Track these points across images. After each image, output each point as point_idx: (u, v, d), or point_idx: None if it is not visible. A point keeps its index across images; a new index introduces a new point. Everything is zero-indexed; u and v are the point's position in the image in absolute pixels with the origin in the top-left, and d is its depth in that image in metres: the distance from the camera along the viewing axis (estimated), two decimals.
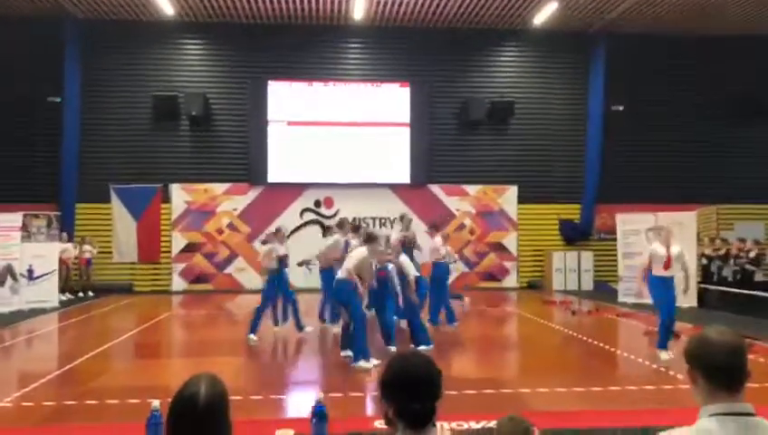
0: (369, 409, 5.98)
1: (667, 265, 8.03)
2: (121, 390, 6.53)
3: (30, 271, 13.39)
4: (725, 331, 1.97)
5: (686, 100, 17.97)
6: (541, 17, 16.57)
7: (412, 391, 1.90)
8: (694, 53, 17.78)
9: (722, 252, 13.73)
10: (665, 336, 7.97)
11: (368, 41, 17.83)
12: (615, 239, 15.12)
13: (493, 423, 4.33)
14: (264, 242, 11.45)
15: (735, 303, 12.26)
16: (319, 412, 2.78)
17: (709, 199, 16.90)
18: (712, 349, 1.92)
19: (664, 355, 7.81)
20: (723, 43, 17.67)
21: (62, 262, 14.53)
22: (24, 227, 13.39)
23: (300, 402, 6.26)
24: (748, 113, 18.05)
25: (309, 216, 17.46)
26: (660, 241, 8.16)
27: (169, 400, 1.82)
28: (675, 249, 8.08)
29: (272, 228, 12.35)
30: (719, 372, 1.90)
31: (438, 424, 1.95)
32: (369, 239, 7.87)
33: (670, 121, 17.91)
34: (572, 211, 18.10)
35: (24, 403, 6.05)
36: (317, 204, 17.53)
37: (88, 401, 6.10)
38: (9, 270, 12.95)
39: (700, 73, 17.91)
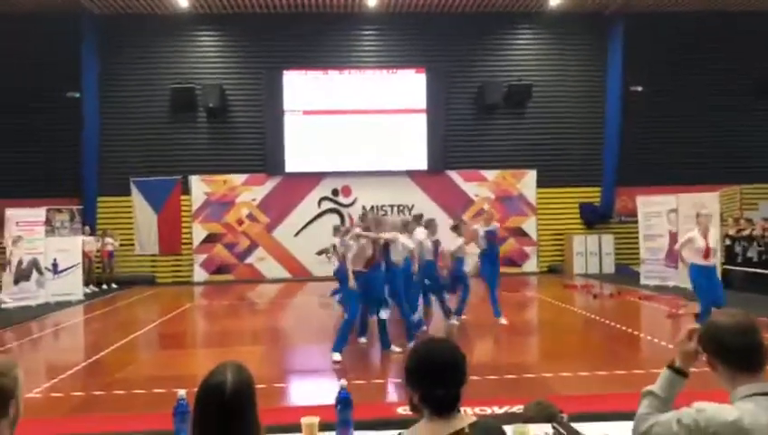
0: (393, 395, 6.01)
1: (707, 255, 7.88)
2: (147, 380, 6.63)
3: (55, 265, 13.62)
4: (736, 313, 1.96)
5: (706, 78, 17.63)
6: None
7: (437, 377, 1.90)
8: (714, 31, 17.42)
9: (746, 232, 13.52)
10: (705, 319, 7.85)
11: (382, 28, 17.74)
12: (636, 222, 14.97)
13: (516, 408, 4.33)
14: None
15: (761, 283, 12.07)
16: (343, 399, 2.79)
17: (732, 179, 16.64)
18: (723, 333, 1.90)
19: None
20: (743, 19, 17.31)
21: (84, 255, 14.78)
22: (48, 222, 13.60)
23: (324, 390, 6.30)
24: None
25: (327, 204, 17.49)
26: (699, 229, 7.97)
27: (195, 389, 1.84)
28: (713, 237, 7.94)
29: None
30: (735, 355, 1.88)
31: (461, 410, 1.95)
32: (377, 224, 7.87)
33: (691, 101, 17.61)
34: (592, 194, 17.93)
35: (54, 394, 6.17)
36: (335, 193, 17.55)
37: (115, 392, 6.21)
38: (35, 264, 13.20)
39: (721, 51, 17.54)
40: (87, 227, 15.61)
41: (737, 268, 13.12)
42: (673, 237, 13.60)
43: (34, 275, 13.19)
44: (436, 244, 9.86)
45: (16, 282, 12.96)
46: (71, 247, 13.96)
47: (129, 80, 17.04)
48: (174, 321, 11.10)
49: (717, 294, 7.93)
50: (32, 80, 16.28)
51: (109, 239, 16.01)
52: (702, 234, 7.92)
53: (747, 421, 1.78)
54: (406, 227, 9.06)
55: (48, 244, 13.51)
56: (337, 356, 7.16)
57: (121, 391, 6.20)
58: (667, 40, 17.50)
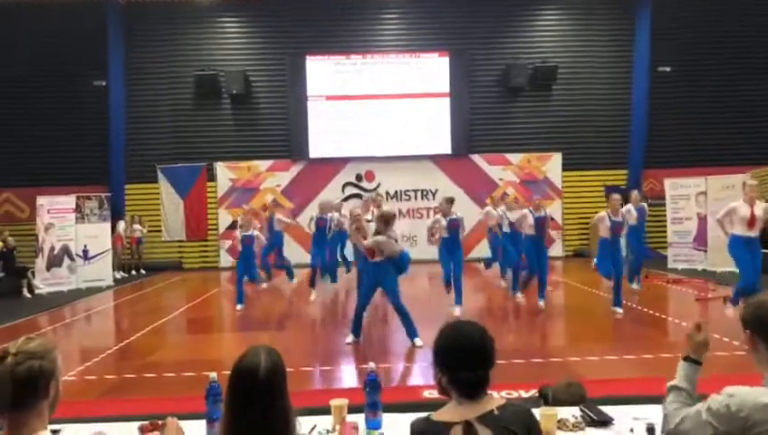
0: (418, 379, 6.05)
1: (752, 224, 7.46)
2: (177, 363, 6.76)
3: (85, 251, 13.91)
4: None
5: (736, 57, 17.20)
6: None
7: (466, 360, 1.91)
8: (743, 8, 16.97)
9: None
10: (737, 297, 7.55)
11: (405, 11, 17.61)
12: (663, 205, 14.74)
13: None
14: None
15: None
16: (371, 382, 2.82)
17: (763, 160, 16.27)
18: None
19: (730, 311, 7.58)
20: None
21: (117, 239, 15.17)
22: (78, 209, 13.87)
23: (351, 373, 6.37)
24: None
25: (350, 190, 17.52)
26: (744, 198, 7.58)
27: (225, 372, 1.87)
28: (760, 207, 7.50)
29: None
30: None
31: (489, 393, 1.96)
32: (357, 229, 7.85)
33: (719, 80, 17.21)
34: (619, 177, 17.69)
35: (88, 377, 6.33)
36: (358, 178, 17.57)
37: (146, 375, 6.34)
38: (66, 251, 13.50)
39: (750, 28, 17.09)
40: (128, 216, 16.15)
41: None
42: (702, 221, 13.40)
43: (66, 261, 13.50)
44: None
45: (49, 268, 13.28)
46: (100, 234, 14.23)
47: (153, 67, 17.20)
48: (201, 306, 11.27)
49: (755, 272, 7.50)
50: (59, 69, 16.53)
51: (137, 226, 16.29)
52: (747, 202, 7.52)
53: None
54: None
55: (78, 231, 13.79)
56: (349, 338, 7.42)
57: (152, 375, 6.34)
58: (696, 18, 17.10)
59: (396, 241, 7.33)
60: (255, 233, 10.54)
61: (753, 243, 7.59)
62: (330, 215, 11.23)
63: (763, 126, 17.19)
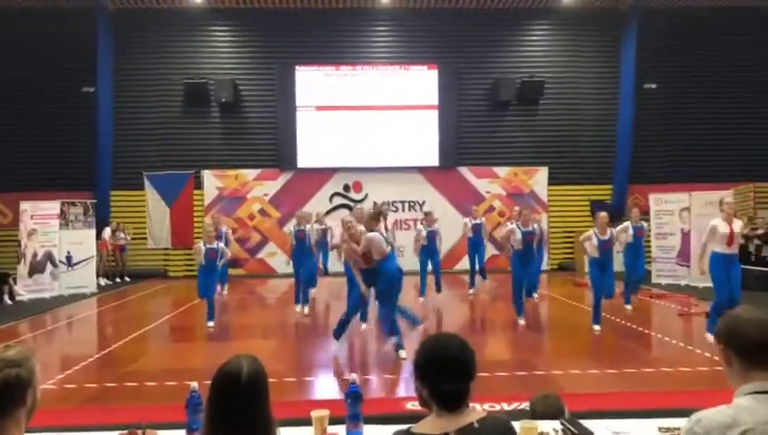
0: (402, 390, 6.04)
1: (730, 242, 7.60)
2: (159, 372, 6.70)
3: (68, 258, 13.78)
4: (756, 309, 1.96)
5: (720, 75, 17.48)
6: None
7: (446, 372, 1.92)
8: (728, 27, 17.28)
9: (760, 231, 13.40)
10: (715, 319, 7.64)
11: (395, 23, 17.73)
12: (648, 220, 14.87)
13: (525, 405, 4.34)
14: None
15: None
16: (353, 393, 2.81)
17: (746, 177, 16.51)
18: (744, 327, 1.90)
19: (711, 338, 7.57)
20: (758, 14, 17.13)
21: (102, 245, 15.05)
22: (62, 215, 13.75)
23: (333, 384, 6.35)
24: None
25: (338, 200, 17.52)
26: (722, 216, 7.72)
27: (206, 382, 1.87)
28: (738, 224, 7.66)
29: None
30: (752, 350, 1.88)
31: (471, 405, 1.97)
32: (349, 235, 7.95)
33: (704, 98, 17.48)
34: (604, 192, 17.85)
35: (67, 385, 6.25)
36: (346, 188, 17.59)
37: (128, 383, 6.28)
38: (49, 257, 13.36)
39: (735, 47, 17.39)
40: (113, 222, 16.06)
41: (750, 268, 13.00)
42: (685, 236, 13.53)
43: (49, 267, 13.36)
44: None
45: (31, 274, 13.14)
46: (84, 241, 14.11)
47: (142, 74, 17.14)
48: (185, 314, 11.19)
49: (734, 288, 7.59)
50: (48, 75, 16.44)
51: (121, 234, 16.16)
52: (726, 221, 7.67)
53: (743, 419, 1.77)
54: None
55: (62, 237, 13.66)
56: (335, 343, 7.57)
57: (134, 383, 6.28)
58: (681, 36, 17.37)
59: (388, 242, 7.38)
60: (221, 246, 9.79)
61: (732, 260, 7.72)
62: (308, 226, 11.18)
63: (746, 143, 17.45)
